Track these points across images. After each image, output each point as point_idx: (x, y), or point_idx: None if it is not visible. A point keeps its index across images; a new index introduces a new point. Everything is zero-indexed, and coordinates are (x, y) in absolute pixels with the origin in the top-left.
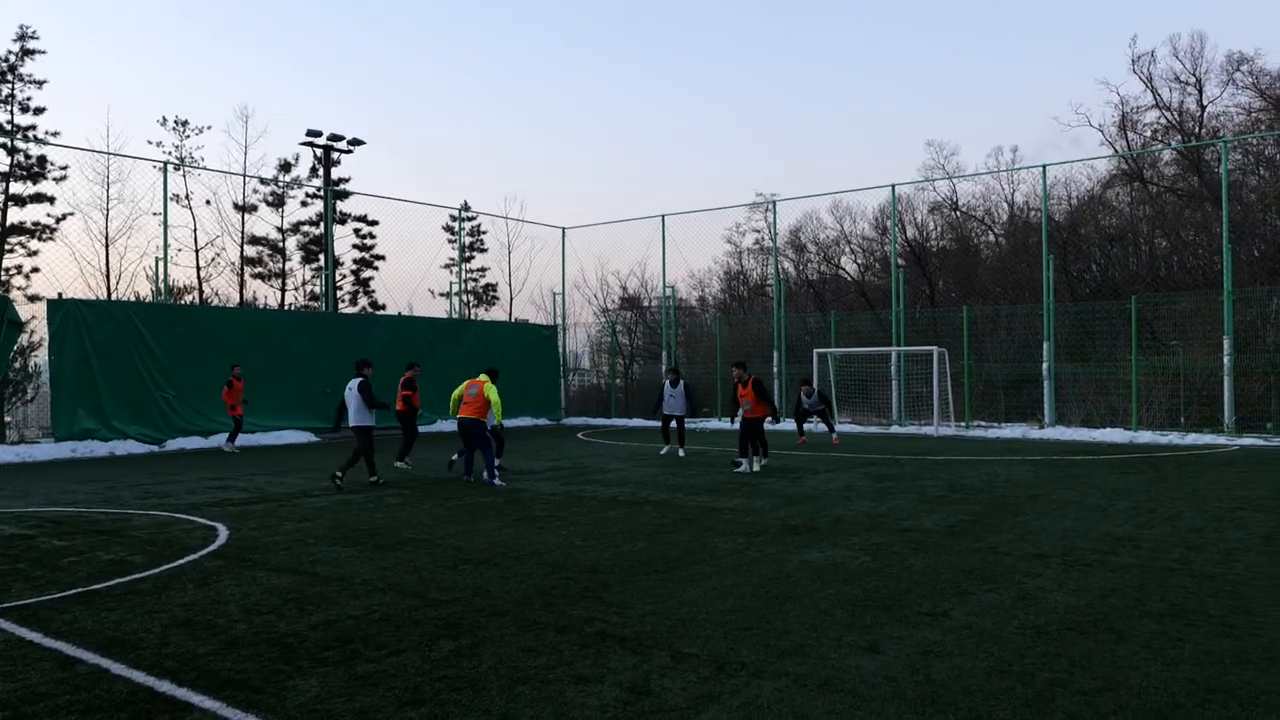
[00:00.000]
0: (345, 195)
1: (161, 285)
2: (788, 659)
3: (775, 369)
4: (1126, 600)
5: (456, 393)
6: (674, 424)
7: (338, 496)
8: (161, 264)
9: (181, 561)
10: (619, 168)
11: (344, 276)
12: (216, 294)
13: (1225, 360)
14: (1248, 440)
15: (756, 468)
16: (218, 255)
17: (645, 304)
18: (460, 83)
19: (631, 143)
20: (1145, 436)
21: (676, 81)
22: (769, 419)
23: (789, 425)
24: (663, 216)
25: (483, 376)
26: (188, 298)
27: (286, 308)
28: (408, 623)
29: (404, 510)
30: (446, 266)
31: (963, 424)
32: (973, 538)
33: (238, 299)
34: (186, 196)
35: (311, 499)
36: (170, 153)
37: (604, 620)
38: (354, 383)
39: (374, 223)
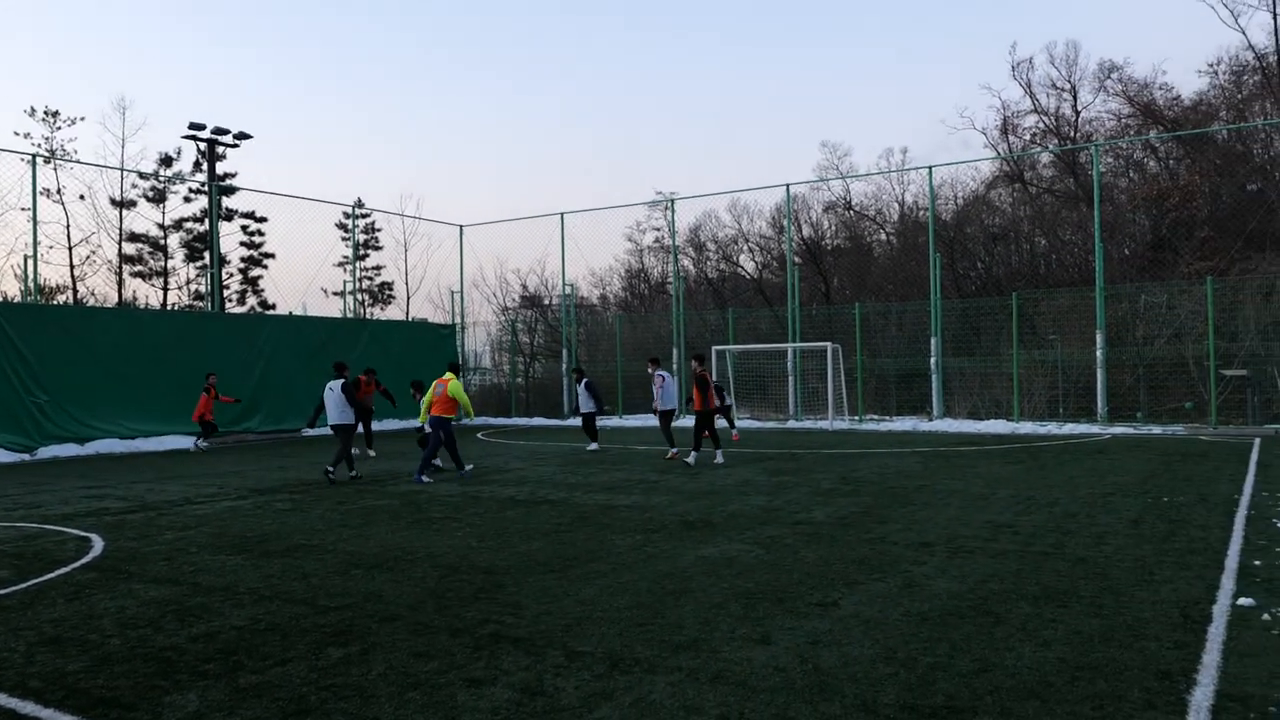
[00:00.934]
0: (231, 191)
1: (31, 284)
2: (681, 654)
3: (675, 366)
4: (1005, 585)
5: (427, 398)
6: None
7: (223, 504)
8: (31, 262)
9: (51, 575)
10: (518, 165)
11: (231, 275)
12: (93, 293)
13: (1098, 354)
14: (1119, 429)
15: (690, 460)
16: (93, 253)
17: (546, 302)
18: (353, 77)
19: (530, 140)
20: (1026, 427)
21: (574, 79)
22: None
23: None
24: (561, 214)
25: (447, 375)
26: (61, 298)
27: (169, 308)
28: (295, 631)
29: (294, 515)
30: (340, 265)
31: (856, 418)
32: (863, 529)
33: (116, 298)
34: (58, 191)
35: (195, 506)
36: (39, 145)
37: (498, 622)
38: (335, 383)
39: (263, 219)
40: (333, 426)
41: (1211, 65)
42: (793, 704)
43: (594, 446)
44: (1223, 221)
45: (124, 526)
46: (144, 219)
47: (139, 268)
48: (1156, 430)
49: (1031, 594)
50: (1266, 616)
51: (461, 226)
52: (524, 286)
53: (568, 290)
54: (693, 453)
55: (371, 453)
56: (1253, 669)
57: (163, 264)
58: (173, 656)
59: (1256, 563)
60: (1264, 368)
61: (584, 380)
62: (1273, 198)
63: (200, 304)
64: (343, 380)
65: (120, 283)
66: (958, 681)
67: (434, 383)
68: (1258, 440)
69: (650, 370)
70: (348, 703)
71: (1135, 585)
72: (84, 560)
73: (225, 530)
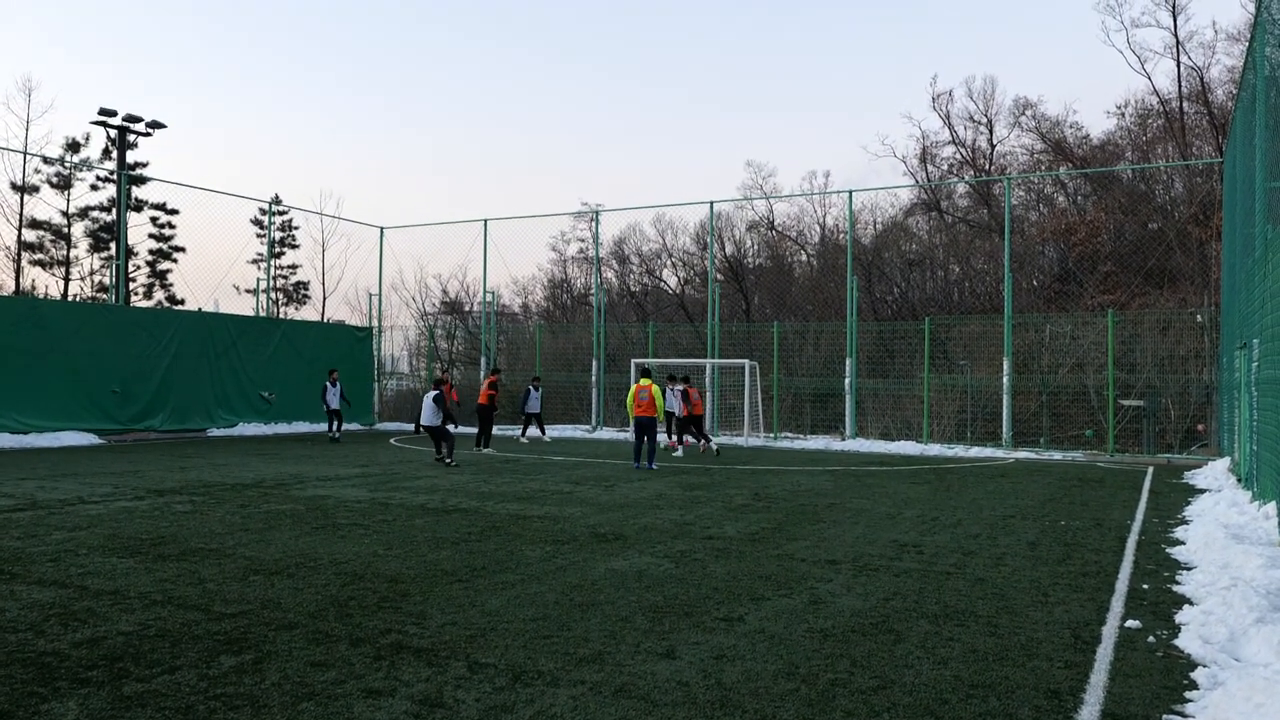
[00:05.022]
0: (142, 181)
1: None
2: (585, 666)
3: (594, 378)
4: (907, 603)
5: (630, 399)
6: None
7: (118, 504)
8: None
9: None
10: (441, 169)
11: (138, 268)
12: None
13: (1005, 380)
14: (1022, 453)
15: (679, 452)
16: None
17: (467, 308)
18: (274, 70)
19: (455, 145)
20: (935, 449)
21: (501, 86)
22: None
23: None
24: (485, 221)
25: (646, 380)
26: None
27: (70, 298)
28: (186, 638)
29: (193, 518)
30: (254, 262)
31: (771, 435)
32: (772, 545)
33: (13, 287)
34: None
35: (88, 506)
36: None
37: (400, 631)
38: (431, 392)
39: (174, 211)
40: (425, 428)
41: (1119, 107)
42: (694, 718)
43: (443, 455)
44: (1125, 257)
45: (9, 525)
46: (47, 205)
47: (39, 256)
48: (1057, 456)
49: (932, 612)
50: (1151, 639)
51: (382, 228)
52: (444, 292)
53: (489, 297)
54: (682, 448)
55: (484, 450)
56: (1136, 689)
57: (65, 253)
58: (53, 662)
59: (1145, 586)
60: (1159, 399)
61: (435, 391)
62: (1171, 237)
63: (104, 296)
64: (436, 392)
65: (18, 270)
66: (856, 698)
67: (635, 387)
68: (1151, 469)
69: (669, 386)
70: (238, 713)
71: (1030, 606)
72: None
73: (118, 532)
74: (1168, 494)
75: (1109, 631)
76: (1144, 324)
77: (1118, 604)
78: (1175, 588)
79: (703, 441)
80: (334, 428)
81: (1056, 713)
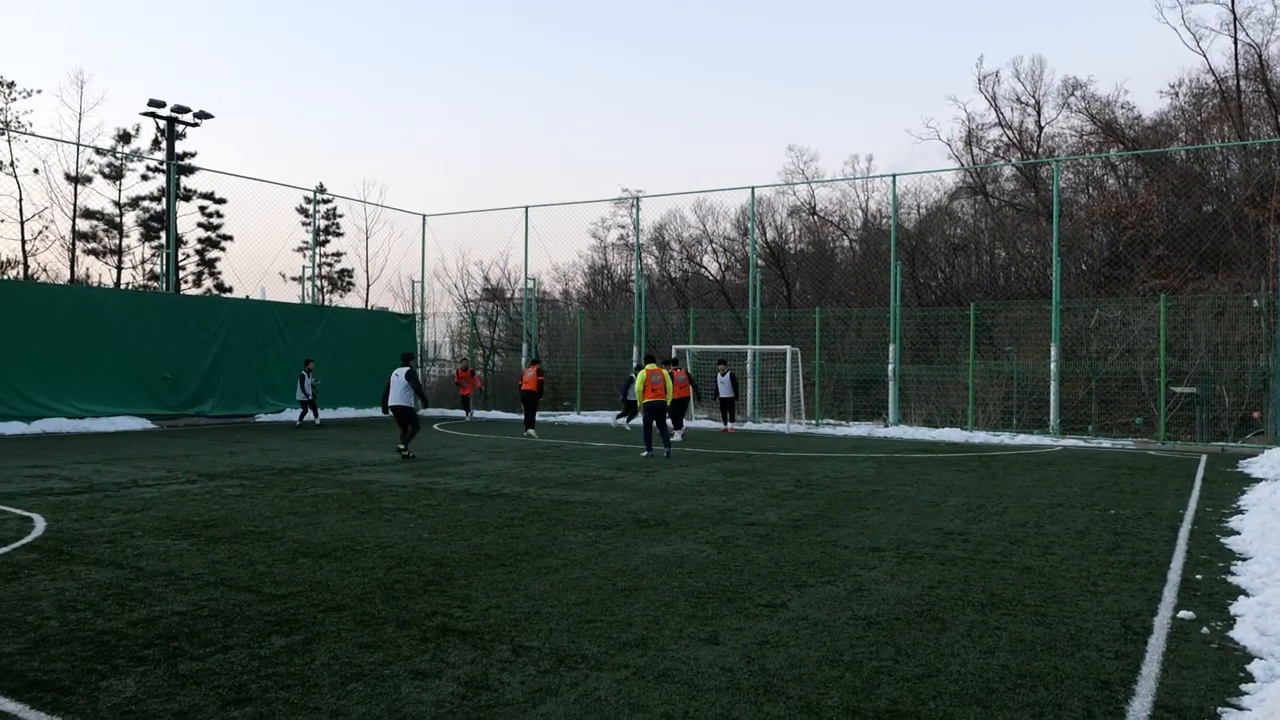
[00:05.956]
0: (190, 170)
1: None
2: (628, 651)
3: (635, 364)
4: (952, 591)
5: (639, 383)
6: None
7: (171, 487)
8: None
9: None
10: (484, 156)
11: (188, 256)
12: (44, 269)
13: (1052, 366)
14: (1070, 441)
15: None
16: (46, 228)
17: (508, 295)
18: (319, 59)
19: (497, 132)
20: (980, 436)
21: (543, 72)
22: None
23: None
24: (526, 208)
25: (653, 365)
26: (11, 272)
27: (123, 287)
28: (238, 619)
29: (243, 501)
30: (300, 250)
31: (813, 422)
32: (815, 532)
33: (68, 275)
34: (12, 164)
35: (142, 489)
36: None
37: (446, 614)
38: (400, 370)
39: (222, 201)
40: (394, 409)
41: (1173, 86)
42: (738, 704)
43: (403, 449)
44: (1178, 241)
45: (68, 507)
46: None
47: (93, 245)
48: (1106, 444)
49: (978, 601)
50: (1206, 630)
51: (425, 216)
52: (486, 279)
53: (530, 284)
54: (678, 433)
55: (529, 433)
56: (1190, 681)
57: (117, 242)
58: (112, 640)
59: (1198, 577)
60: (1213, 386)
61: (406, 368)
62: (1227, 219)
63: (155, 284)
64: (408, 369)
65: (73, 259)
66: (902, 686)
67: (643, 372)
68: (1204, 457)
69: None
70: (289, 692)
71: (1079, 595)
72: (25, 540)
73: (172, 514)
74: (1222, 483)
75: (1161, 622)
76: (1197, 309)
77: (1170, 594)
78: (1230, 578)
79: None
80: (304, 417)
81: (1108, 704)
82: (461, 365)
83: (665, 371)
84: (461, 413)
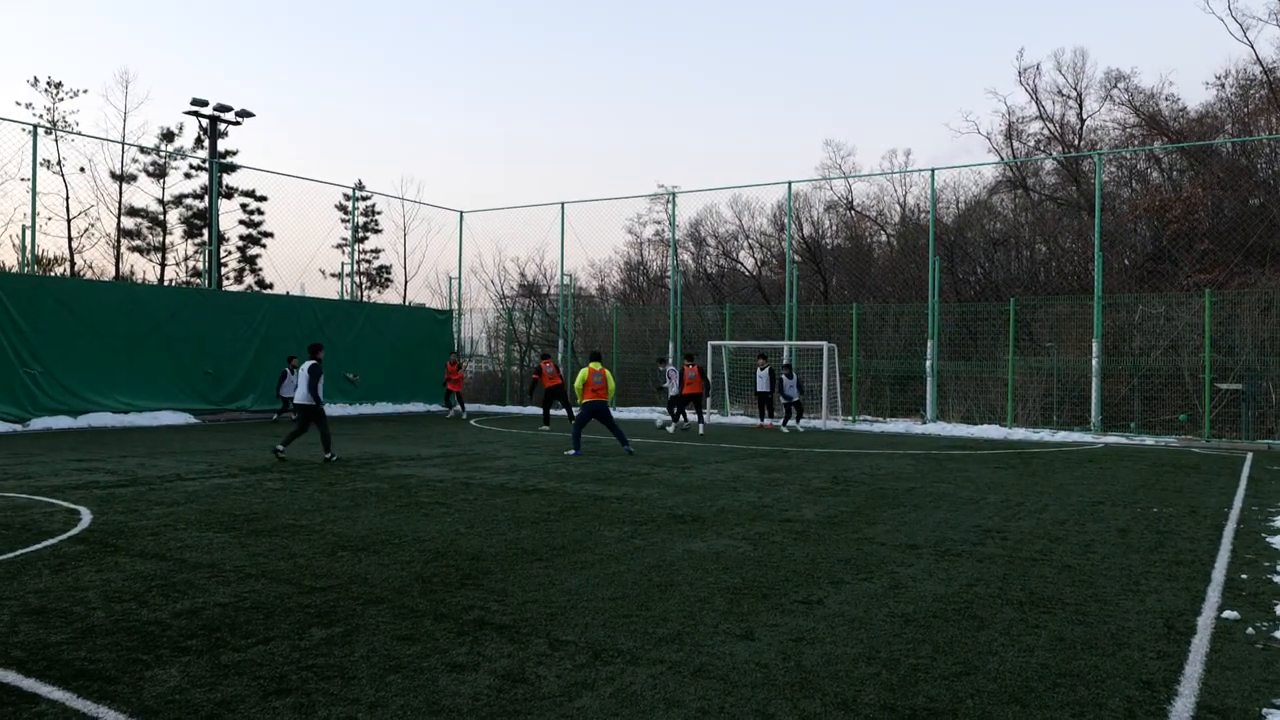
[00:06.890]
0: (232, 169)
1: (29, 255)
2: (664, 646)
3: (671, 360)
4: (991, 589)
5: (579, 380)
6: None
7: (213, 481)
8: (29, 233)
9: (38, 546)
10: (520, 153)
11: (229, 253)
12: (90, 266)
13: (1094, 362)
14: (1111, 438)
15: (671, 429)
16: (92, 226)
17: (544, 291)
18: (357, 58)
19: (533, 128)
20: (1019, 433)
21: (580, 69)
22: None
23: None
24: (562, 204)
25: (595, 364)
26: (58, 269)
27: (166, 283)
28: (279, 610)
29: (283, 495)
30: (339, 247)
31: (850, 418)
32: (851, 528)
33: (113, 272)
34: (59, 162)
35: (185, 482)
36: (41, 115)
37: (483, 608)
38: (306, 364)
39: (263, 198)
40: (297, 407)
41: (1219, 78)
42: (774, 700)
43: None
44: (1223, 235)
45: (113, 500)
46: (144, 194)
47: (137, 242)
48: (1149, 441)
49: (1017, 599)
50: (1251, 630)
51: (461, 212)
52: (522, 275)
53: (566, 280)
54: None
55: (545, 428)
56: (1234, 682)
57: (161, 239)
58: (156, 631)
59: (1243, 576)
60: (1259, 382)
61: (313, 361)
62: (1275, 213)
63: (197, 281)
64: (314, 362)
65: (118, 256)
66: (939, 684)
67: (584, 371)
68: (1250, 455)
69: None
70: (329, 683)
71: (1121, 594)
72: (72, 532)
73: (214, 507)
74: (1268, 481)
75: (1205, 622)
76: (1243, 304)
77: (1214, 594)
78: (1277, 578)
79: (686, 419)
80: (281, 412)
81: (1149, 704)
82: (450, 360)
83: (608, 371)
84: (443, 409)
